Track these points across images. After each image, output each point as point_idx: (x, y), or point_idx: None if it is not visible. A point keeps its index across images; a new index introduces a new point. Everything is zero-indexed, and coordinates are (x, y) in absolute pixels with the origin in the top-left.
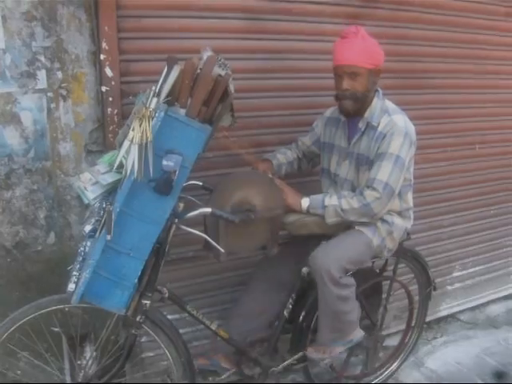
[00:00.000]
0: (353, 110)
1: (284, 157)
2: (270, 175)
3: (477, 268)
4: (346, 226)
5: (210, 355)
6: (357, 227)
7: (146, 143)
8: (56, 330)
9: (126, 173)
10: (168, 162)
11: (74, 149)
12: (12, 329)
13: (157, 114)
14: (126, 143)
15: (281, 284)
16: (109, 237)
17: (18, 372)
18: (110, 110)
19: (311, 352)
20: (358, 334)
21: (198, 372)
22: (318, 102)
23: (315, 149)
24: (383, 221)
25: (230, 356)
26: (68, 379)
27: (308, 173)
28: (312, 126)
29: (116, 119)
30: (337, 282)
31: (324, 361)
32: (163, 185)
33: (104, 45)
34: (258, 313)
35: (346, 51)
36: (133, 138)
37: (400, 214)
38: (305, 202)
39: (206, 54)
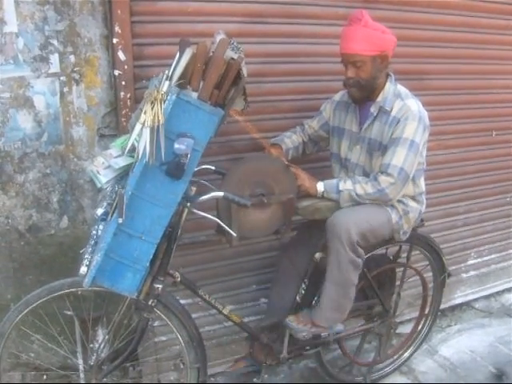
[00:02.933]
0: (359, 97)
1: (290, 141)
2: (286, 162)
3: (492, 256)
4: None
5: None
6: None
7: (158, 126)
8: (69, 313)
9: (137, 156)
10: (180, 146)
11: (86, 133)
12: (25, 312)
13: (169, 97)
14: (138, 126)
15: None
16: (120, 220)
17: (32, 354)
18: (122, 93)
19: (292, 320)
20: (340, 327)
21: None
22: (331, 86)
23: (323, 133)
24: (399, 201)
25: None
26: (80, 362)
27: (319, 158)
28: (320, 110)
29: (129, 103)
30: (354, 246)
31: (302, 333)
32: (175, 168)
33: (117, 28)
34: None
35: (348, 39)
36: (144, 121)
37: (413, 198)
38: (320, 187)
39: (219, 38)
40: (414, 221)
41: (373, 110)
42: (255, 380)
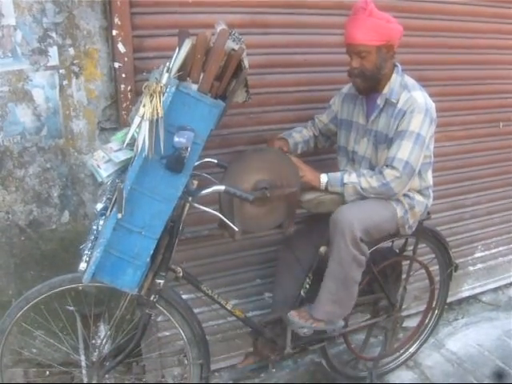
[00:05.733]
0: (364, 87)
1: (300, 135)
2: (287, 153)
3: (500, 248)
4: None
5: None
6: None
7: (157, 119)
8: (70, 308)
9: (137, 150)
10: (180, 139)
11: (87, 126)
12: (25, 308)
13: (168, 90)
14: (137, 119)
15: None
16: (119, 215)
17: (34, 351)
18: (123, 86)
19: (293, 315)
20: (342, 323)
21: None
22: (336, 77)
23: (333, 126)
24: (405, 194)
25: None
26: (82, 358)
27: (326, 151)
28: (329, 103)
29: (129, 96)
30: (357, 243)
31: (303, 329)
32: (175, 162)
33: (116, 20)
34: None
35: (352, 29)
36: (144, 114)
37: (420, 192)
38: (323, 179)
39: (219, 28)
40: (420, 215)
41: (379, 101)
42: (262, 375)
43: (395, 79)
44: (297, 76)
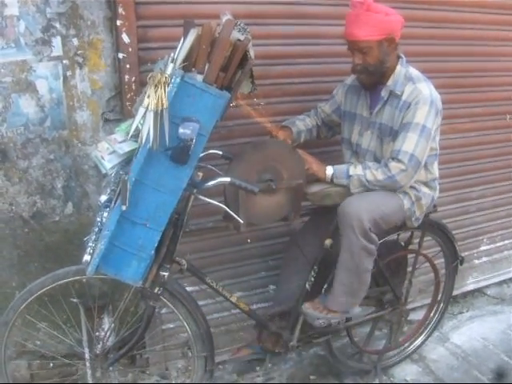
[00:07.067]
0: (368, 82)
1: (303, 123)
2: (291, 145)
3: (505, 242)
4: None
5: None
6: None
7: (162, 110)
8: (74, 300)
9: (141, 141)
10: (184, 130)
11: (90, 117)
12: (29, 300)
13: (173, 80)
14: (141, 110)
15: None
16: (124, 207)
17: (38, 343)
18: (127, 77)
19: (307, 307)
20: (357, 310)
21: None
22: (342, 68)
23: (335, 117)
24: (411, 186)
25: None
26: (86, 350)
27: (330, 143)
28: (332, 94)
29: (134, 87)
30: (366, 233)
31: (319, 320)
32: (180, 153)
33: (120, 10)
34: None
35: (351, 26)
36: (148, 105)
37: (426, 184)
38: (329, 171)
39: (225, 19)
40: (426, 207)
41: (383, 94)
42: (258, 369)
43: (400, 71)
44: (302, 67)
